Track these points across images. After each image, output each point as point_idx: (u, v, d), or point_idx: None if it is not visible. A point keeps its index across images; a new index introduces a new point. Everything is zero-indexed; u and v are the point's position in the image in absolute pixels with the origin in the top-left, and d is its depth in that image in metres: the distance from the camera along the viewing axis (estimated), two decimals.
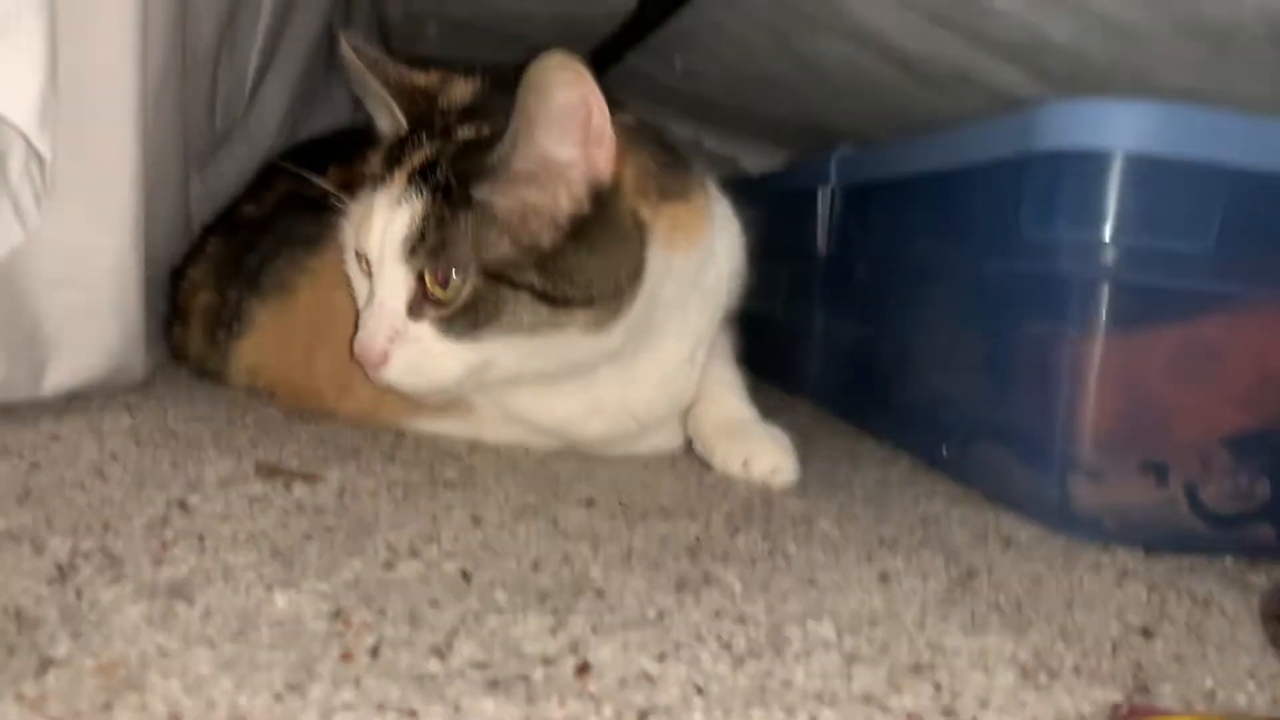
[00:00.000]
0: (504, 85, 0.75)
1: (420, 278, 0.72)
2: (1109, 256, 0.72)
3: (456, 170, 0.72)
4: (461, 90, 0.80)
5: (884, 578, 0.63)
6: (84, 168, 0.74)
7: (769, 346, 1.03)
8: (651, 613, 0.53)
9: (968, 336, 0.91)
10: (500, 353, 0.74)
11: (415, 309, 0.73)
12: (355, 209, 0.76)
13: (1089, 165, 0.71)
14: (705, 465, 0.88)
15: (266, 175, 1.08)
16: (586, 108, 0.70)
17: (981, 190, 0.87)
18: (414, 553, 0.58)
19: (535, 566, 0.58)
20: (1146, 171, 0.71)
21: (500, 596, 0.53)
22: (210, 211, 1.10)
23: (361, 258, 0.76)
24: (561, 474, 0.80)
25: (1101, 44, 0.98)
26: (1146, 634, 0.58)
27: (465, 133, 0.75)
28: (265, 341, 0.90)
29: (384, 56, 0.80)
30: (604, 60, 1.69)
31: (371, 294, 0.74)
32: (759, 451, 0.85)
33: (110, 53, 0.71)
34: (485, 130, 0.74)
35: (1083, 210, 0.72)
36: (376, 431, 0.85)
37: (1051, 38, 0.99)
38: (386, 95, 0.78)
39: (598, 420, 0.85)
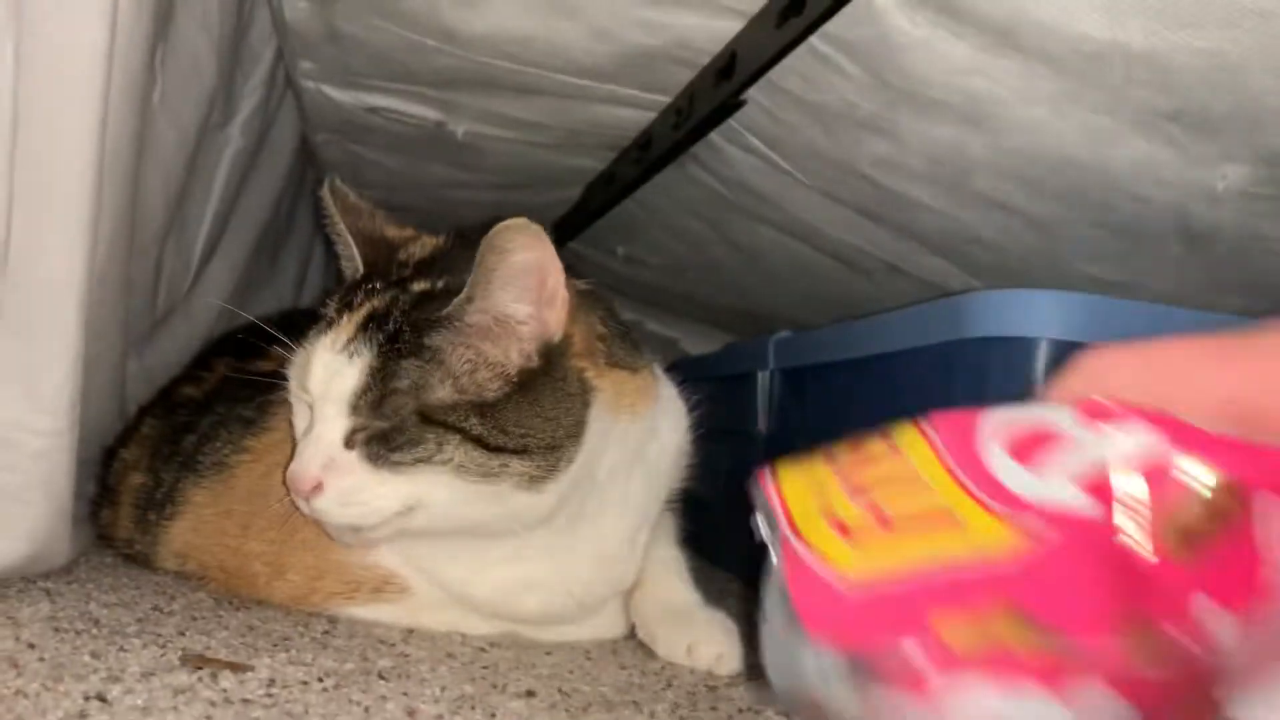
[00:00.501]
0: (465, 242, 0.79)
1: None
2: None
3: (410, 320, 0.74)
4: (425, 245, 0.82)
5: None
6: (22, 346, 0.74)
7: (711, 528, 1.02)
8: None
9: None
10: (432, 491, 0.74)
11: (350, 440, 0.74)
12: (304, 347, 0.78)
13: (1017, 351, 0.74)
14: (649, 651, 0.86)
15: (205, 356, 1.08)
16: (542, 270, 0.73)
17: (915, 373, 0.89)
18: None
19: None
20: (1070, 357, 0.73)
21: None
22: (147, 391, 1.08)
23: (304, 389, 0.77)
24: (500, 663, 0.78)
25: (1022, 237, 1.03)
26: None
27: (421, 285, 0.77)
28: (199, 523, 0.88)
29: (366, 204, 0.84)
30: None
31: (310, 425, 0.75)
32: (703, 639, 0.84)
33: (60, 233, 0.72)
34: (440, 284, 0.76)
35: (1012, 393, 0.74)
36: (309, 618, 0.82)
37: (976, 231, 1.04)
38: (350, 239, 0.81)
39: (532, 597, 0.83)
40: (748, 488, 0.43)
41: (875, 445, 0.38)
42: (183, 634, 0.73)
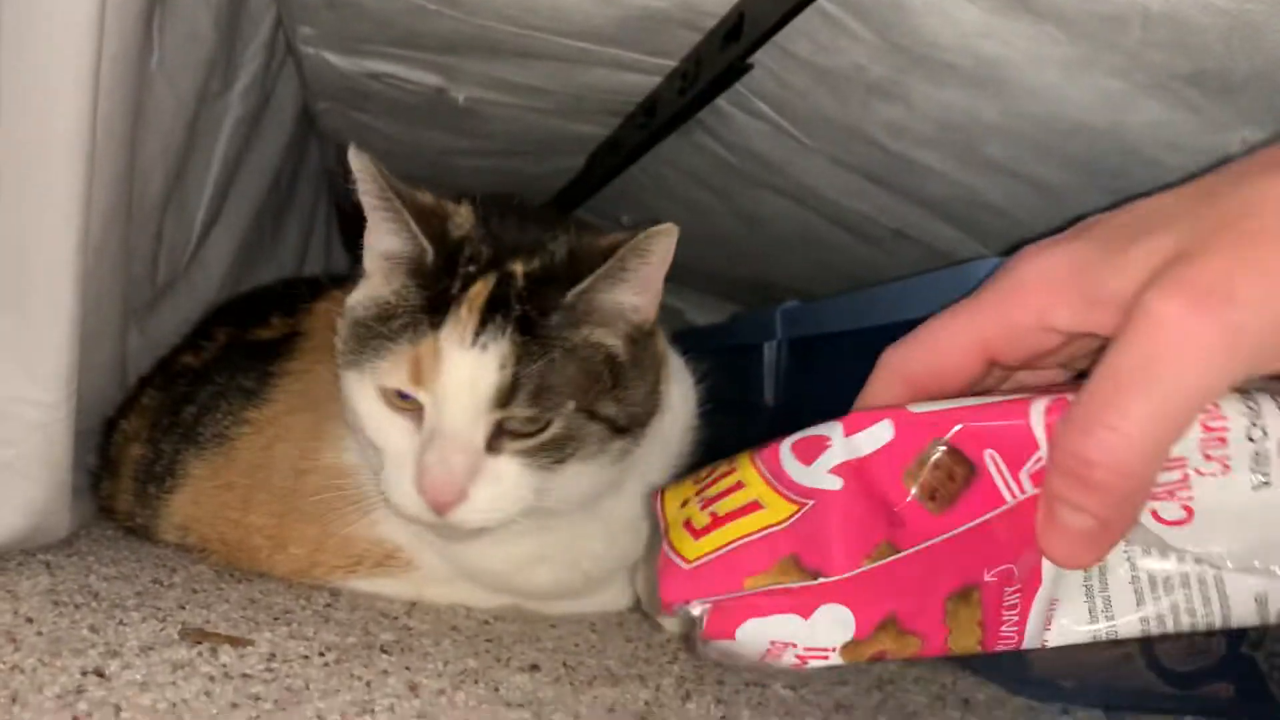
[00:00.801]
0: (500, 210, 0.77)
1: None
2: None
3: (531, 305, 0.70)
4: (461, 215, 0.77)
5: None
6: (17, 319, 0.72)
7: None
8: None
9: None
10: (566, 481, 0.73)
11: (494, 444, 0.71)
12: (399, 346, 0.70)
13: None
14: (655, 624, 0.86)
15: (206, 325, 1.07)
16: (664, 269, 0.74)
17: None
18: None
19: None
20: None
21: None
22: (149, 362, 1.08)
23: (398, 393, 0.71)
24: (504, 636, 0.77)
25: (1033, 204, 1.01)
26: None
27: (517, 265, 0.73)
28: (199, 496, 0.87)
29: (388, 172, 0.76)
30: None
31: (437, 431, 0.69)
32: None
33: (52, 203, 0.70)
34: (536, 264, 0.73)
35: None
36: (310, 591, 0.81)
37: (985, 197, 1.03)
38: (407, 215, 0.72)
39: (544, 570, 0.82)
40: None
41: (722, 467, 0.51)
42: (183, 608, 0.72)
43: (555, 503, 0.74)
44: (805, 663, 0.47)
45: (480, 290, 0.70)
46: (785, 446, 0.49)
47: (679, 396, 0.86)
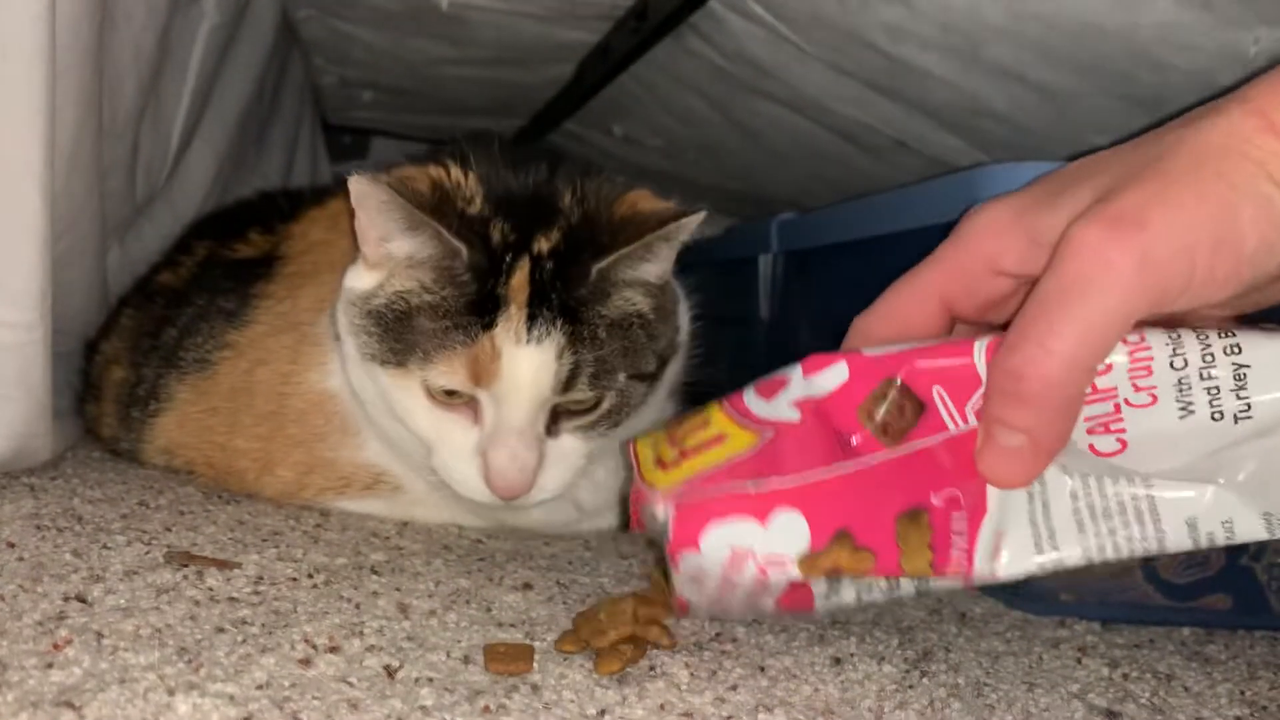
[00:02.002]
0: (491, 162, 0.74)
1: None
2: None
3: (566, 288, 0.69)
4: (466, 186, 0.73)
5: (837, 661, 0.60)
6: None
7: None
8: (592, 709, 0.49)
9: None
10: (614, 438, 0.75)
11: (552, 427, 0.72)
12: (451, 349, 0.68)
13: None
14: (649, 543, 0.85)
15: (185, 239, 1.04)
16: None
17: (924, 253, 0.85)
18: (333, 647, 0.53)
19: (466, 660, 0.54)
20: None
21: (426, 695, 0.49)
22: (131, 282, 1.05)
23: (445, 391, 0.70)
24: (497, 555, 0.76)
25: (1037, 110, 0.98)
26: (1112, 715, 0.56)
27: (542, 244, 0.70)
28: (183, 419, 0.85)
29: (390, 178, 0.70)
30: (543, 127, 1.68)
31: (500, 428, 0.69)
32: None
33: (12, 117, 0.67)
34: (558, 237, 0.71)
35: None
36: (299, 512, 0.80)
37: (988, 103, 0.99)
38: (437, 225, 0.68)
39: (539, 507, 0.81)
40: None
41: (693, 415, 0.55)
42: (169, 530, 0.71)
43: (598, 454, 0.76)
44: (766, 575, 0.51)
45: (521, 281, 0.69)
46: (748, 389, 0.54)
47: (682, 325, 0.85)
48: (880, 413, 0.50)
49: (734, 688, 0.54)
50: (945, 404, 0.49)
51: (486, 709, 0.48)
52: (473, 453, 0.71)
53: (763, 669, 0.57)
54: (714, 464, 0.52)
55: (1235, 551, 0.75)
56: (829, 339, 1.08)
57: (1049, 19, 0.83)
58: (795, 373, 0.52)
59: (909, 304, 0.53)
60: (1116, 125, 0.96)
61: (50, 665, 0.47)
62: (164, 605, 0.57)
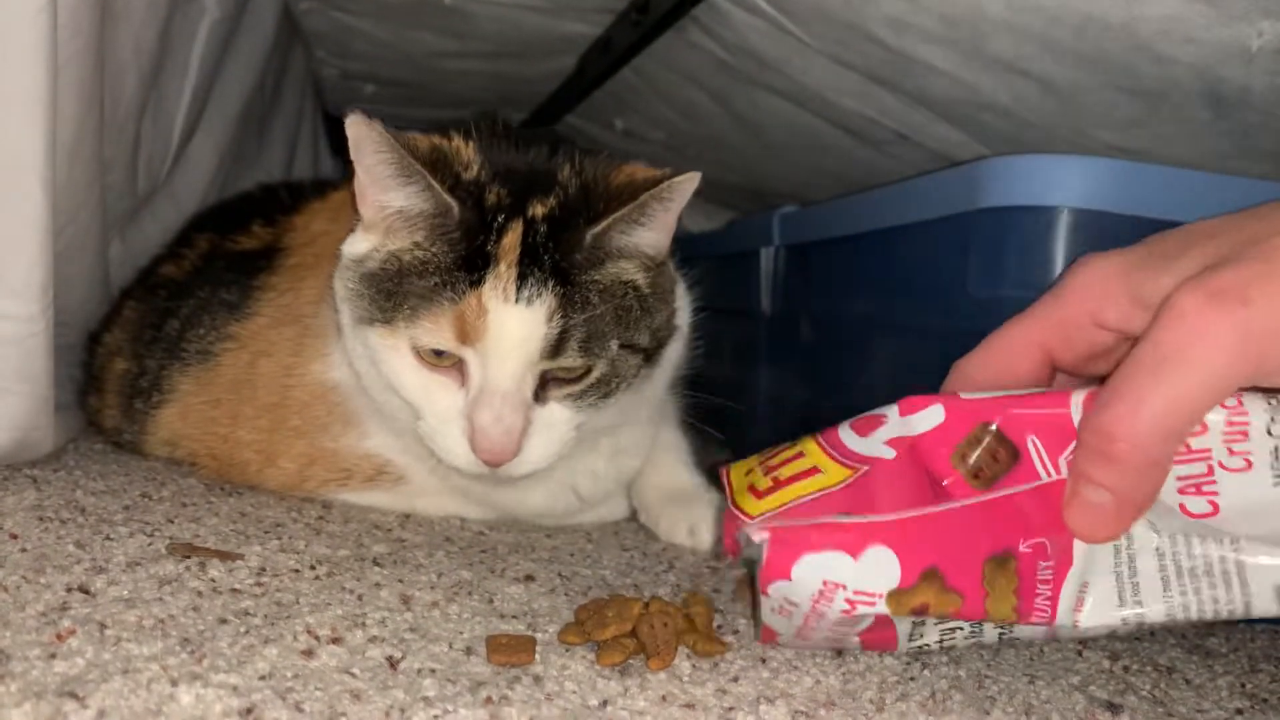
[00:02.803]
0: (495, 138, 0.75)
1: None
2: None
3: (559, 251, 0.69)
4: (466, 154, 0.73)
5: (838, 653, 0.60)
6: None
7: (714, 408, 1.00)
8: (594, 701, 0.50)
9: None
10: (607, 413, 0.75)
11: (540, 394, 0.71)
12: (438, 306, 0.68)
13: (1036, 221, 0.70)
14: (650, 535, 0.85)
15: (186, 233, 1.04)
16: (681, 209, 0.74)
17: (926, 247, 0.86)
18: (336, 638, 0.53)
19: (468, 651, 0.54)
20: (1092, 227, 0.70)
21: (429, 686, 0.49)
22: (132, 275, 1.05)
23: (433, 350, 0.70)
24: (499, 546, 0.76)
25: (1039, 103, 0.98)
26: (1113, 708, 0.56)
27: (537, 208, 0.70)
28: (186, 411, 0.86)
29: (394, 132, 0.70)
30: (544, 120, 1.68)
31: (485, 389, 0.68)
32: (704, 519, 0.83)
33: (12, 110, 0.67)
34: (554, 203, 0.71)
35: (1030, 267, 0.71)
36: (302, 504, 0.81)
37: (990, 97, 0.99)
38: (425, 173, 0.68)
39: (539, 493, 0.81)
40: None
41: (785, 445, 0.57)
42: (171, 522, 0.71)
43: (589, 433, 0.75)
44: (854, 609, 0.50)
45: (512, 242, 0.68)
46: (844, 425, 0.55)
47: (683, 316, 0.85)
48: (974, 457, 0.50)
49: (735, 679, 0.54)
50: (1039, 453, 0.50)
51: (489, 700, 0.48)
52: (458, 415, 0.70)
53: (764, 661, 0.57)
54: (807, 495, 0.53)
55: None
56: (830, 333, 1.09)
57: (1051, 12, 0.82)
58: (892, 411, 0.53)
59: (1010, 351, 0.54)
60: (1119, 119, 0.95)
61: (53, 656, 0.47)
62: (167, 596, 0.57)
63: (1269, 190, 0.75)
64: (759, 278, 1.20)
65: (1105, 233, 0.70)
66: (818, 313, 1.09)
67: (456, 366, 0.70)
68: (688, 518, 0.83)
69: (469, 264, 0.68)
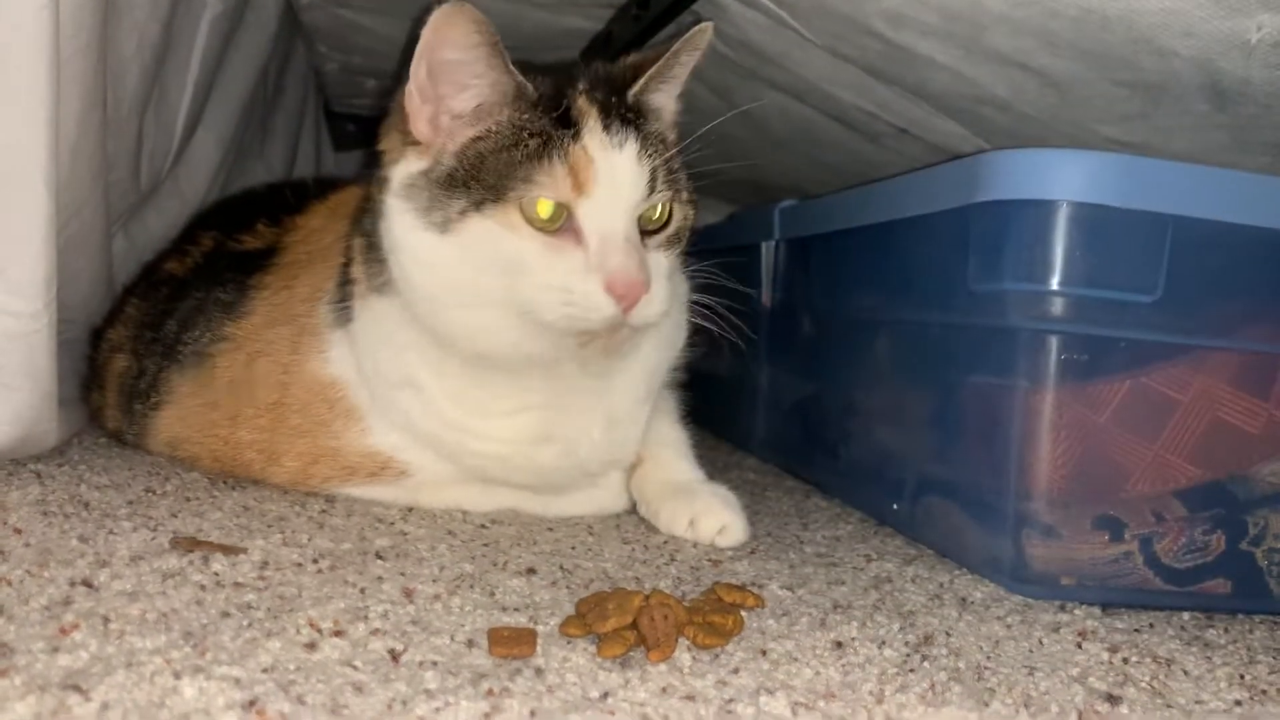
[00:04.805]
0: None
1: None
2: (1057, 307, 0.71)
3: (624, 111, 0.75)
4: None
5: (839, 645, 0.60)
6: None
7: (714, 402, 1.01)
8: (595, 693, 0.50)
9: (915, 390, 0.89)
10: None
11: (646, 237, 0.76)
12: (547, 164, 0.72)
13: (1035, 215, 0.71)
14: (651, 528, 0.85)
15: (191, 229, 1.05)
16: None
17: (926, 241, 0.86)
18: (338, 631, 0.54)
19: (470, 643, 0.54)
20: (1093, 221, 0.70)
21: (430, 678, 0.49)
22: (137, 270, 1.05)
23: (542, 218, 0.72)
24: (501, 540, 0.77)
25: (1038, 97, 0.98)
26: (1112, 700, 0.56)
27: (584, 85, 0.77)
28: (185, 414, 0.86)
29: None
30: None
31: (607, 236, 0.72)
32: (705, 511, 0.83)
33: (15, 107, 0.68)
34: (599, 74, 0.79)
35: (1029, 260, 0.71)
36: (305, 498, 0.81)
37: (990, 91, 0.99)
38: (506, 57, 0.72)
39: (547, 450, 0.81)
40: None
41: None
42: (175, 516, 0.71)
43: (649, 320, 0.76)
44: None
45: (585, 104, 0.75)
46: None
47: (678, 301, 0.85)
48: None
49: (736, 671, 0.54)
50: None
51: (490, 692, 0.48)
52: (585, 270, 0.71)
53: (764, 653, 0.58)
54: None
55: (1235, 537, 0.75)
56: (832, 328, 1.09)
57: (1050, 5, 0.82)
58: None
59: None
60: (1118, 112, 0.95)
61: (57, 649, 0.48)
62: (170, 590, 0.57)
63: (1268, 184, 0.75)
64: (760, 271, 1.20)
65: (1104, 227, 0.70)
66: (818, 307, 1.09)
67: (568, 229, 0.72)
68: (688, 510, 0.83)
69: (562, 125, 0.73)
